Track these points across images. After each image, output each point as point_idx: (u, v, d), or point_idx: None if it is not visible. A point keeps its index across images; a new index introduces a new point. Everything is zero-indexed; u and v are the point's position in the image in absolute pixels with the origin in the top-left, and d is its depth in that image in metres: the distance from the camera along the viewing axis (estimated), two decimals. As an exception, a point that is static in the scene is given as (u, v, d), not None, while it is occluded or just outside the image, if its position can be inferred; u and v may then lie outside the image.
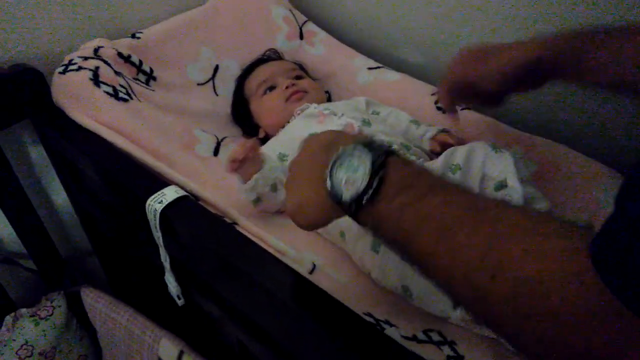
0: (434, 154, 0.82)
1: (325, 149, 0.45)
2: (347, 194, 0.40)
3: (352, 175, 0.40)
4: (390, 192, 0.39)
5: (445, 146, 0.78)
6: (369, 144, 0.41)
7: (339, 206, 0.42)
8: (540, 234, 0.34)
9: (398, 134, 0.83)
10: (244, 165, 0.72)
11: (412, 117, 0.89)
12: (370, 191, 0.39)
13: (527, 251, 0.33)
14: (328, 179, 0.42)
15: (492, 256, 0.34)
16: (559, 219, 0.35)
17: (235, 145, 0.71)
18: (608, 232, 0.31)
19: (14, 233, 0.94)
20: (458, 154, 0.71)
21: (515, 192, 0.65)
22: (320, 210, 0.45)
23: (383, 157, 0.40)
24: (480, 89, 0.66)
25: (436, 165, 0.72)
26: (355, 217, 0.42)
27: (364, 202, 0.40)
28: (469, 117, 0.87)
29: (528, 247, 0.33)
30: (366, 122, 0.81)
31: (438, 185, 0.40)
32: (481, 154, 0.69)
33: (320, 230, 0.74)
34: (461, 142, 0.79)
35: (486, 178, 0.68)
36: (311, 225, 0.49)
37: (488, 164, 0.68)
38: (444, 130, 0.85)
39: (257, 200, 0.75)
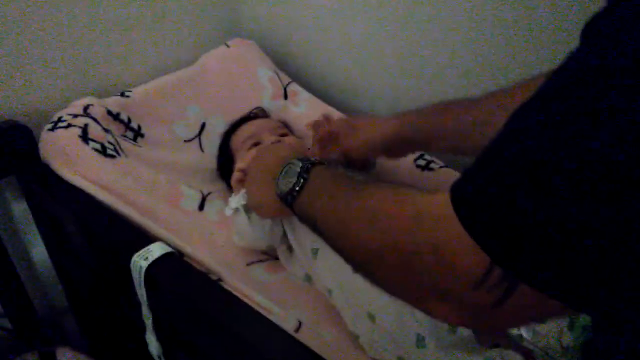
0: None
1: (278, 163, 0.64)
2: (285, 190, 0.59)
3: (289, 180, 0.59)
4: (309, 186, 0.57)
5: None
6: (302, 159, 0.60)
7: (282, 201, 0.60)
8: (411, 194, 0.42)
9: None
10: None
11: None
12: (298, 187, 0.57)
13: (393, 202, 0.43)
14: (276, 184, 0.62)
15: (368, 212, 0.45)
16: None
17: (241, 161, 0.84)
18: (464, 174, 0.37)
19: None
20: None
21: None
22: (273, 205, 0.63)
23: (308, 166, 0.58)
24: (349, 156, 0.80)
25: None
26: (291, 207, 0.58)
27: (295, 194, 0.57)
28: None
29: (396, 199, 0.43)
30: None
31: (337, 176, 0.56)
32: None
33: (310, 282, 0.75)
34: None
35: None
36: (268, 216, 0.72)
37: None
38: None
39: (246, 211, 0.75)
